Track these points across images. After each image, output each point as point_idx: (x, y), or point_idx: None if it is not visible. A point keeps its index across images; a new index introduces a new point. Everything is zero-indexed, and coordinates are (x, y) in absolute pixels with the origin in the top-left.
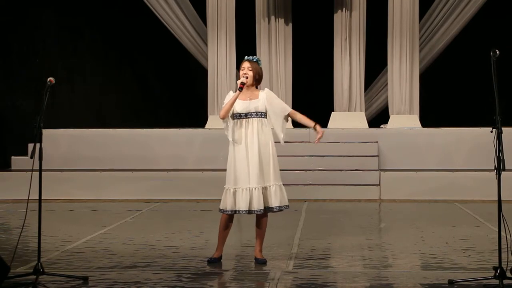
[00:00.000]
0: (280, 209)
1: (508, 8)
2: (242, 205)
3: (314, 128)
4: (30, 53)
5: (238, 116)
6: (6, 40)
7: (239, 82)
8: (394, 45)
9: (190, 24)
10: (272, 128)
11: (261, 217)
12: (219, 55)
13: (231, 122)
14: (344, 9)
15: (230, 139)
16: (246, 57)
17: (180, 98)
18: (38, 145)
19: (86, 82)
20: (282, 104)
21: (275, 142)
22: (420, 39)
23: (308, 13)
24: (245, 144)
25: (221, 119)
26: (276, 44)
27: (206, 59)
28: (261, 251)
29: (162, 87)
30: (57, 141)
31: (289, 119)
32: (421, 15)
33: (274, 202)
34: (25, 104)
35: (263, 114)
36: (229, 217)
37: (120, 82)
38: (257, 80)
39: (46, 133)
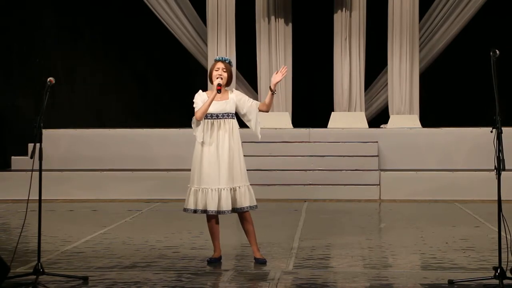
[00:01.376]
0: (250, 209)
1: (508, 8)
2: (211, 205)
3: (270, 89)
4: (30, 53)
5: (209, 117)
6: (6, 40)
7: (215, 83)
8: (394, 45)
9: (190, 24)
10: (244, 126)
11: (244, 218)
12: (219, 55)
13: (201, 122)
14: (344, 9)
15: (200, 140)
16: (217, 57)
17: (180, 98)
18: (38, 145)
19: (86, 82)
20: (251, 100)
21: (245, 141)
22: (420, 39)
23: (308, 13)
24: (216, 144)
25: (198, 120)
26: (276, 44)
27: (206, 59)
28: (258, 250)
29: (162, 87)
30: (57, 141)
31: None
32: (421, 15)
33: (244, 203)
34: (25, 104)
35: (233, 116)
36: (213, 216)
37: (120, 82)
38: (229, 82)
39: (46, 133)
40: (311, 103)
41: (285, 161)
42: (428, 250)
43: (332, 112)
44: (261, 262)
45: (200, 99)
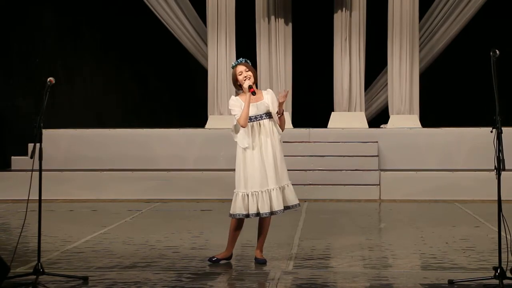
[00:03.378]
0: (299, 205)
1: (508, 8)
2: (264, 207)
3: (277, 112)
4: (30, 53)
5: (249, 120)
6: (6, 40)
7: (246, 86)
8: (394, 45)
9: (190, 24)
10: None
11: (265, 218)
12: (219, 55)
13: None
14: (344, 9)
15: (243, 145)
16: (235, 62)
17: (180, 98)
18: (38, 145)
19: (86, 82)
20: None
21: None
22: (420, 39)
23: (308, 13)
24: (259, 146)
25: (244, 127)
26: (276, 44)
27: (206, 59)
28: (261, 251)
29: (162, 87)
30: (57, 141)
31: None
32: (421, 15)
33: (293, 200)
34: (25, 104)
35: (271, 115)
36: (240, 222)
37: (120, 82)
38: (256, 78)
39: (46, 133)
40: (311, 103)
41: (285, 161)
42: (428, 250)
43: (332, 112)
44: (261, 262)
45: (237, 105)
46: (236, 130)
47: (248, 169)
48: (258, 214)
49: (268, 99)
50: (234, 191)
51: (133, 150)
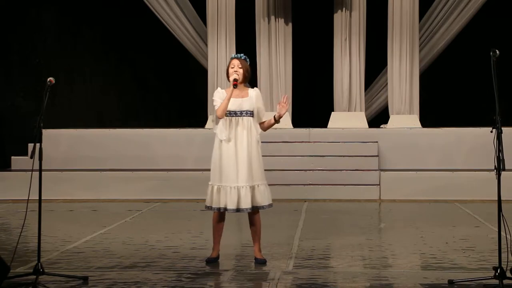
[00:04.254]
0: (268, 207)
1: (508, 8)
2: (230, 204)
3: (275, 118)
4: (30, 53)
5: (228, 114)
6: (6, 40)
7: (231, 79)
8: (394, 45)
9: (190, 24)
10: None
11: (254, 216)
12: (219, 55)
13: (221, 119)
14: (344, 9)
15: (221, 137)
16: (233, 55)
17: (180, 98)
18: (38, 145)
19: (86, 82)
20: (262, 110)
21: None
22: (420, 39)
23: (308, 13)
24: (234, 142)
25: (220, 118)
26: (276, 44)
27: (206, 59)
28: (260, 250)
29: (162, 87)
30: (57, 141)
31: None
32: (421, 15)
33: (263, 201)
34: (25, 104)
35: (252, 113)
36: (221, 214)
37: (120, 82)
38: (246, 78)
39: (46, 133)
40: (311, 103)
41: (285, 161)
42: (428, 250)
43: (332, 112)
44: (261, 262)
45: (218, 96)
46: (216, 121)
47: (223, 163)
48: (225, 209)
49: (253, 97)
50: (209, 183)
51: (133, 150)
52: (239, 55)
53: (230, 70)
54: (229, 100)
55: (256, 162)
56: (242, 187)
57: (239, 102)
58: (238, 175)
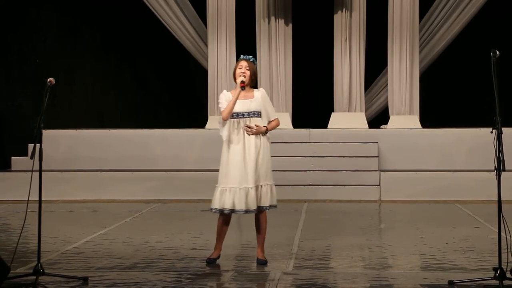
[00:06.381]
0: (269, 208)
1: (508, 8)
2: (239, 205)
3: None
4: (30, 53)
5: (235, 116)
6: (6, 40)
7: (238, 81)
8: (394, 46)
9: (190, 24)
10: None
11: (261, 216)
12: (219, 56)
13: (227, 121)
14: (344, 9)
15: (225, 138)
16: (242, 56)
17: (180, 99)
18: (38, 145)
19: (86, 82)
20: (270, 109)
21: None
22: (420, 39)
23: (308, 14)
24: (242, 144)
25: (225, 120)
26: (276, 45)
27: (206, 59)
28: (263, 251)
29: (162, 88)
30: (57, 141)
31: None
32: (421, 15)
33: (264, 202)
34: (25, 104)
35: (259, 114)
36: (225, 218)
37: (120, 82)
38: (253, 81)
39: (46, 133)
40: (311, 104)
41: (285, 162)
42: (428, 251)
43: (332, 113)
44: (262, 263)
45: (224, 98)
46: (223, 123)
47: (230, 165)
48: (233, 210)
49: (258, 98)
50: (216, 185)
51: (133, 151)
52: (247, 56)
53: (238, 71)
54: (235, 102)
55: (264, 162)
56: (251, 188)
57: (245, 104)
58: (247, 177)
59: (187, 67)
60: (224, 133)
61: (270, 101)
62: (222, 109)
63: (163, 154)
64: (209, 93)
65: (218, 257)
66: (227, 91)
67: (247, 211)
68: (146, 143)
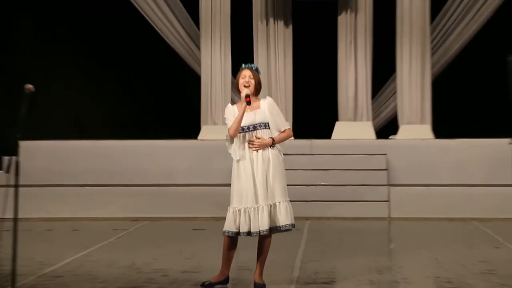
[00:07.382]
0: (288, 228)
1: None
2: (254, 227)
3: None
4: (6, 60)
5: (240, 130)
6: None
7: (243, 94)
8: (403, 49)
9: (181, 26)
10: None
11: (265, 237)
12: (213, 60)
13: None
14: (348, 10)
15: (235, 157)
16: (244, 64)
17: (171, 107)
18: (14, 158)
19: (67, 90)
20: (279, 119)
21: None
22: (432, 42)
23: (310, 14)
24: (249, 159)
25: (233, 137)
26: (275, 48)
27: (199, 64)
28: (261, 274)
29: (151, 95)
30: (35, 154)
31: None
32: (433, 16)
33: (283, 221)
34: (1, 113)
35: (267, 125)
36: (232, 241)
37: (104, 89)
38: (258, 91)
39: (23, 145)
40: (314, 112)
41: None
42: (443, 274)
43: (336, 122)
44: (260, 287)
45: (231, 114)
46: (231, 140)
47: (241, 183)
48: (249, 233)
49: (264, 108)
50: (228, 207)
51: (118, 164)
52: (250, 65)
53: (241, 81)
54: (241, 117)
55: (276, 178)
56: (263, 206)
57: (251, 116)
58: (258, 195)
59: (178, 73)
60: (233, 152)
61: (279, 110)
62: (229, 126)
63: (152, 167)
64: (202, 100)
65: (220, 282)
66: (232, 104)
67: (260, 233)
68: (133, 155)
